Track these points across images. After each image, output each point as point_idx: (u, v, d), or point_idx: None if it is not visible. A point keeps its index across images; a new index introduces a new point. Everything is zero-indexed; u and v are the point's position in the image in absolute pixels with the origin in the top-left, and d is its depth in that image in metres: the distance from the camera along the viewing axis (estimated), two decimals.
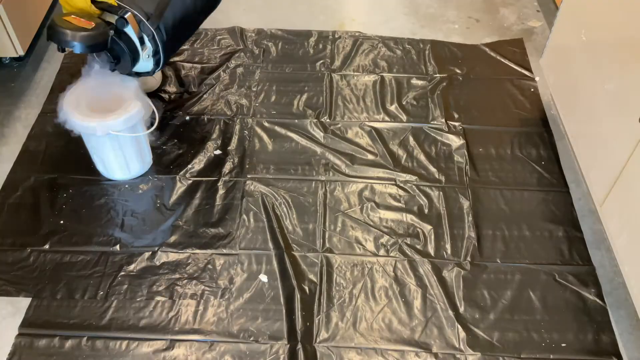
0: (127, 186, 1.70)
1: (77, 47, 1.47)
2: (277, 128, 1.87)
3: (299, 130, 1.86)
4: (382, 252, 1.56)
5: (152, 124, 1.65)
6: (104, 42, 1.51)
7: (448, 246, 1.57)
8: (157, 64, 1.65)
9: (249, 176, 1.73)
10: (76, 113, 1.54)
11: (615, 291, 1.49)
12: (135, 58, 1.59)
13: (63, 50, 1.54)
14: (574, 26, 1.64)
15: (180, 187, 1.70)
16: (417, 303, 1.46)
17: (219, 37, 2.20)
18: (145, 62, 1.63)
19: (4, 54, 1.98)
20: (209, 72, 2.05)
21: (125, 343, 1.38)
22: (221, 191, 1.69)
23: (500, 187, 1.71)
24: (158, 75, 1.99)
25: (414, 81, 2.04)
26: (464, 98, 1.98)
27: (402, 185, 1.71)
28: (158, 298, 1.47)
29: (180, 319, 1.43)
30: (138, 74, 1.69)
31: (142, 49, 1.58)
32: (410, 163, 1.77)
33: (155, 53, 1.61)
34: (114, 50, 1.56)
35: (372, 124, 1.88)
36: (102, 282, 1.49)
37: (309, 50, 2.16)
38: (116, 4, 1.54)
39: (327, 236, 1.59)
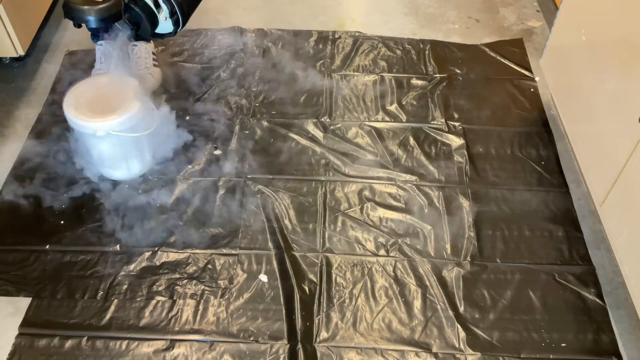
0: (127, 186, 1.70)
1: (92, 22, 1.51)
2: (277, 128, 1.87)
3: (299, 130, 1.86)
4: (382, 252, 1.56)
5: (151, 124, 1.65)
6: (117, 12, 1.53)
7: (448, 246, 1.57)
8: (176, 24, 1.66)
9: (249, 176, 1.73)
10: (76, 113, 1.54)
11: (615, 291, 1.49)
12: (153, 21, 1.60)
13: (79, 26, 1.56)
14: (574, 26, 1.64)
15: (180, 187, 1.70)
16: (417, 303, 1.46)
17: (219, 37, 2.20)
18: (165, 24, 1.65)
19: (4, 54, 1.98)
20: (209, 72, 2.05)
21: (125, 343, 1.38)
22: (221, 191, 1.70)
23: (500, 187, 1.71)
24: (158, 75, 1.99)
25: (414, 81, 2.04)
26: (464, 98, 1.98)
27: (402, 185, 1.71)
28: (158, 298, 1.47)
29: (180, 319, 1.43)
30: (162, 36, 1.70)
31: (159, 12, 1.60)
32: (410, 163, 1.77)
33: (172, 14, 1.62)
34: (132, 17, 1.58)
35: (372, 124, 1.89)
36: (102, 282, 1.49)
37: (309, 50, 2.16)
38: None
39: (327, 236, 1.59)
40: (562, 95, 1.74)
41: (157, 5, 1.60)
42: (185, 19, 1.68)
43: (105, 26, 1.57)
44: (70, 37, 2.19)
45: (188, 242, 1.57)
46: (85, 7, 1.50)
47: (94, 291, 1.48)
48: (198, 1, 1.77)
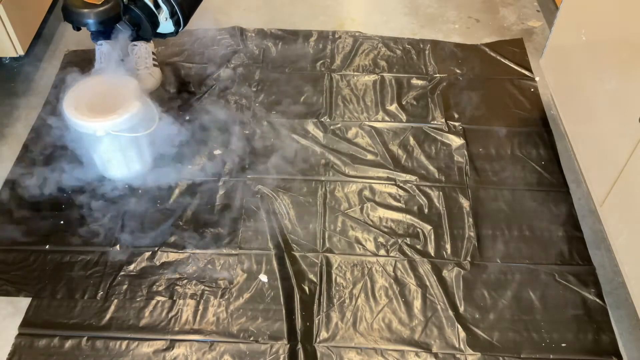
0: (127, 186, 1.70)
1: (91, 25, 1.51)
2: (277, 128, 1.87)
3: (299, 130, 1.86)
4: (382, 252, 1.56)
5: (151, 124, 1.65)
6: (117, 14, 1.52)
7: (448, 246, 1.57)
8: (177, 24, 1.65)
9: (249, 176, 1.73)
10: (76, 113, 1.54)
11: (615, 291, 1.49)
12: (154, 22, 1.60)
13: (78, 29, 1.56)
14: (574, 26, 1.64)
15: (180, 187, 1.70)
16: (417, 303, 1.46)
17: (219, 37, 2.20)
18: (165, 24, 1.64)
19: (4, 54, 1.98)
20: (209, 72, 2.05)
21: (125, 343, 1.38)
22: (221, 191, 1.70)
23: (500, 187, 1.71)
24: (158, 75, 1.99)
25: (414, 81, 2.04)
26: (464, 98, 1.98)
27: (402, 185, 1.71)
28: (158, 298, 1.47)
29: (180, 319, 1.43)
30: (164, 36, 1.70)
31: (159, 13, 1.59)
32: (410, 163, 1.77)
33: (173, 14, 1.61)
34: (132, 18, 1.57)
35: (372, 124, 1.89)
36: (102, 282, 1.49)
37: (309, 50, 2.16)
38: None
39: (327, 236, 1.59)
40: (562, 95, 1.74)
41: (157, 6, 1.60)
42: (186, 19, 1.68)
43: (105, 28, 1.57)
44: (70, 37, 2.19)
45: (188, 242, 1.57)
46: (84, 10, 1.50)
47: (94, 291, 1.48)
48: (199, 1, 1.77)
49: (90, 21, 1.50)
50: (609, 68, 1.44)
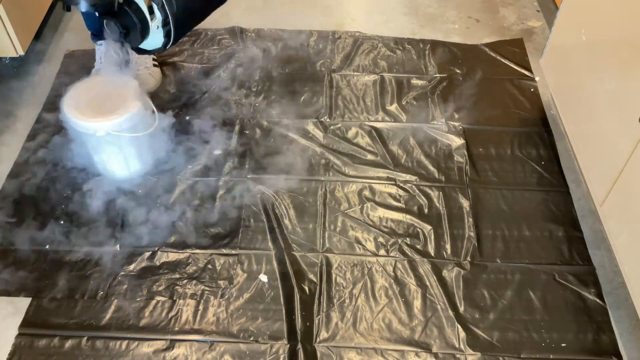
0: (127, 186, 1.70)
1: (82, 5, 1.47)
2: (277, 128, 1.87)
3: (299, 130, 1.86)
4: (382, 252, 1.56)
5: (151, 124, 1.65)
6: (110, 3, 1.49)
7: (448, 246, 1.57)
8: (167, 36, 1.62)
9: (249, 176, 1.73)
10: (76, 113, 1.54)
11: (615, 291, 1.49)
12: (144, 29, 1.57)
13: (68, 9, 1.53)
14: (574, 26, 1.64)
15: (180, 187, 1.70)
16: (417, 303, 1.46)
17: (219, 37, 2.20)
18: (155, 35, 1.61)
19: (4, 54, 1.98)
20: (209, 72, 2.06)
21: (125, 343, 1.38)
22: (221, 191, 1.70)
23: (500, 187, 1.71)
24: (158, 75, 1.99)
25: (414, 81, 2.04)
26: (464, 98, 1.98)
27: (402, 185, 1.71)
28: (158, 298, 1.47)
29: (180, 319, 1.43)
30: (149, 52, 1.67)
31: (152, 19, 1.57)
32: (410, 163, 1.77)
33: (165, 24, 1.58)
34: (124, 21, 1.55)
35: (372, 124, 1.89)
36: (102, 282, 1.49)
37: (309, 50, 2.16)
38: None
39: (327, 236, 1.59)
40: (562, 95, 1.74)
41: (151, 12, 1.57)
42: (177, 32, 1.64)
43: (97, 18, 1.52)
44: (70, 37, 2.19)
45: (188, 242, 1.57)
46: None
47: (94, 291, 1.48)
48: (195, 20, 1.74)
49: (82, 0, 1.47)
50: (609, 68, 1.44)
